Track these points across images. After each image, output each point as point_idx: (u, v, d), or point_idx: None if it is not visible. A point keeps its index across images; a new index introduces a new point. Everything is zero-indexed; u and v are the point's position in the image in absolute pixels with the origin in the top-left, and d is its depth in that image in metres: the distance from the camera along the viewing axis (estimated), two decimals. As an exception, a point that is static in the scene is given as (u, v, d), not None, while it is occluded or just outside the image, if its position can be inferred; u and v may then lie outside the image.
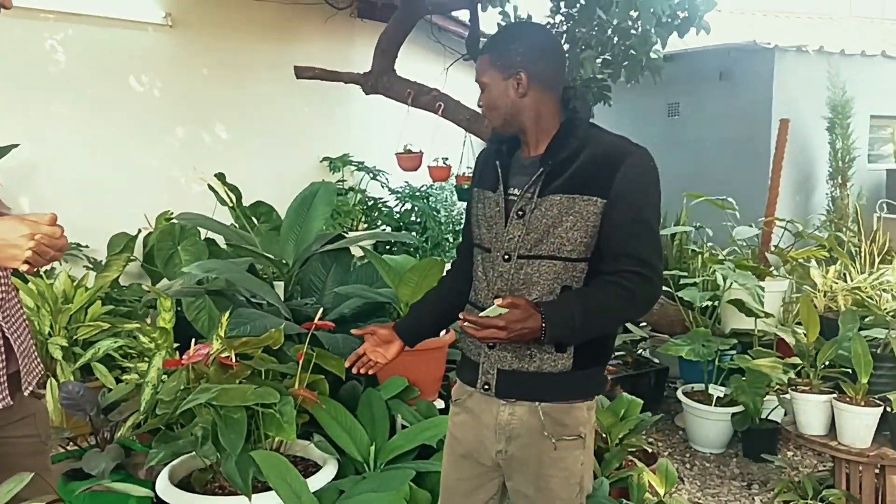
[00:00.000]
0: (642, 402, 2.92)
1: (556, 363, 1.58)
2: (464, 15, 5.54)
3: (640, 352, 4.36)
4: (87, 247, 4.16)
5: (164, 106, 4.64)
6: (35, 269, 1.35)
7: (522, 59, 1.58)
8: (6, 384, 1.44)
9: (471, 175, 2.28)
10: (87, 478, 2.53)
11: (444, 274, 1.94)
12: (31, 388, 1.53)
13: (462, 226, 1.93)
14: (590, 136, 1.58)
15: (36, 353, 1.58)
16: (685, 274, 4.08)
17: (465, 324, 1.49)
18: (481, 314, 1.49)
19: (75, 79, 4.17)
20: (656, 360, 4.31)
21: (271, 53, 5.17)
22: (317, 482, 2.24)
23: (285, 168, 5.29)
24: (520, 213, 1.58)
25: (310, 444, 2.44)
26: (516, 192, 1.61)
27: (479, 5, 4.58)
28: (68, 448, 2.82)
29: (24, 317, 1.55)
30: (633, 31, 4.48)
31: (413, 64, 4.85)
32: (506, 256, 1.59)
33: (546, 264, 1.56)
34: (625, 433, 2.81)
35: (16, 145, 3.67)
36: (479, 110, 1.77)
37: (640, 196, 1.54)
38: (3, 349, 1.43)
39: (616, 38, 4.56)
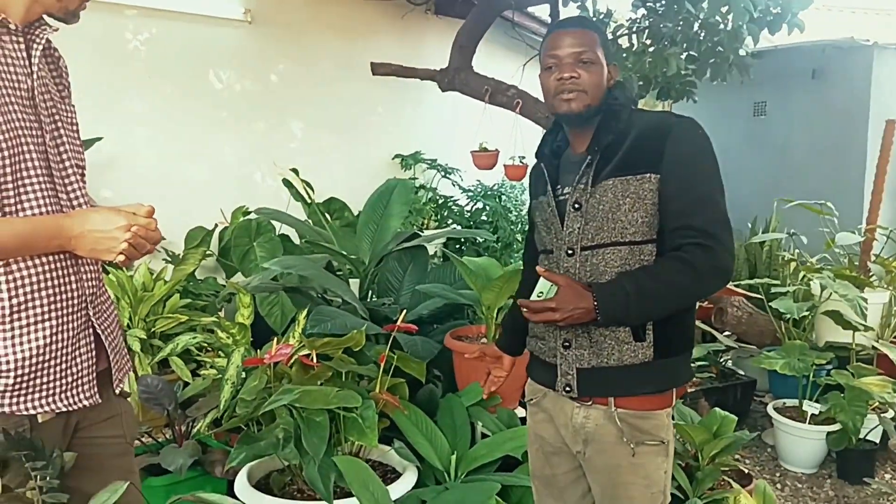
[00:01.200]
0: (736, 418, 2.75)
1: (637, 353, 1.53)
2: (542, 11, 5.41)
3: (725, 363, 4.15)
4: (164, 239, 4.19)
5: (242, 101, 4.65)
6: (130, 262, 1.31)
7: (613, 54, 1.58)
8: (95, 381, 1.40)
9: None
10: (164, 473, 2.52)
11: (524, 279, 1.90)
12: (122, 386, 1.49)
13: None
14: (634, 118, 1.56)
15: (125, 350, 1.54)
16: (777, 282, 3.86)
17: (523, 309, 1.49)
18: (534, 293, 1.50)
19: (156, 74, 4.21)
20: (742, 373, 4.10)
21: (347, 50, 5.14)
22: (398, 490, 2.16)
23: (358, 165, 5.26)
24: (576, 205, 1.55)
25: (390, 450, 2.37)
26: (568, 188, 1.59)
27: (560, 1, 4.45)
28: (145, 441, 2.82)
29: (115, 312, 1.51)
30: (721, 27, 4.28)
31: (490, 61, 4.74)
32: (569, 251, 1.56)
33: (611, 251, 1.52)
34: (717, 451, 2.65)
35: (99, 139, 3.72)
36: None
37: (691, 165, 1.48)
38: (93, 346, 1.40)
39: (703, 34, 4.37)
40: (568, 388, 1.58)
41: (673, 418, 2.85)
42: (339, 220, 4.51)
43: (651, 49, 4.40)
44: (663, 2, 4.38)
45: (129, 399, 1.61)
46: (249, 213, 4.25)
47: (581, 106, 1.53)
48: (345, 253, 3.45)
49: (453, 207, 5.52)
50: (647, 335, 1.52)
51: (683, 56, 4.41)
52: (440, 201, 5.50)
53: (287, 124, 4.95)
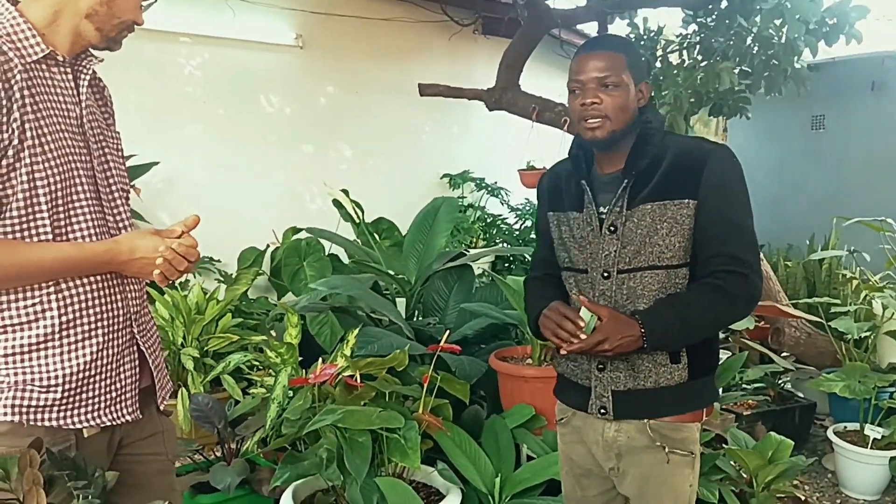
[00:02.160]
0: (793, 443, 2.65)
1: (673, 375, 1.57)
2: (590, 28, 5.39)
3: (783, 385, 4.02)
4: (218, 260, 4.30)
5: (292, 124, 4.75)
6: (170, 281, 1.35)
7: (647, 70, 1.58)
8: (138, 398, 1.44)
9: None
10: (213, 491, 2.56)
11: (538, 281, 1.81)
12: (164, 405, 1.53)
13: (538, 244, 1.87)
14: (667, 142, 1.57)
15: (166, 369, 1.58)
16: (837, 301, 3.72)
17: (568, 346, 1.50)
18: (586, 327, 1.51)
19: (210, 99, 4.34)
20: (801, 395, 3.95)
21: (395, 71, 5.21)
22: (442, 512, 2.15)
23: (406, 185, 5.31)
24: (611, 228, 1.56)
25: (433, 472, 2.36)
26: (602, 209, 1.59)
27: (608, 17, 4.42)
28: (195, 459, 2.87)
29: (157, 332, 1.56)
30: (775, 40, 4.18)
31: (538, 78, 4.74)
32: (605, 274, 1.57)
33: (648, 275, 1.54)
34: (773, 477, 2.56)
35: (156, 163, 3.84)
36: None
37: (727, 193, 1.52)
38: (137, 362, 1.43)
39: (757, 48, 4.28)
40: (603, 411, 1.60)
41: (716, 439, 2.78)
42: (387, 240, 4.55)
43: (703, 64, 4.33)
44: (714, 16, 4.31)
45: (173, 417, 1.65)
46: (299, 232, 4.32)
47: (605, 133, 1.53)
48: (391, 272, 3.47)
49: (502, 226, 5.51)
50: (682, 357, 1.57)
51: (736, 71, 4.33)
52: (488, 220, 5.50)
53: (336, 146, 5.03)
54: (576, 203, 1.63)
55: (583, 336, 1.50)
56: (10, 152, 1.22)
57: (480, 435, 2.56)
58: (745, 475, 2.61)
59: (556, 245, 1.69)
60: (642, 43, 4.46)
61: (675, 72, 4.37)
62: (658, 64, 4.43)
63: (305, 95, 4.80)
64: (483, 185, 5.62)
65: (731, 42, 4.28)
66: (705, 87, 4.21)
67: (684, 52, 4.52)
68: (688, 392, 1.59)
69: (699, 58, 4.42)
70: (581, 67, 1.54)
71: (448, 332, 2.44)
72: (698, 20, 4.38)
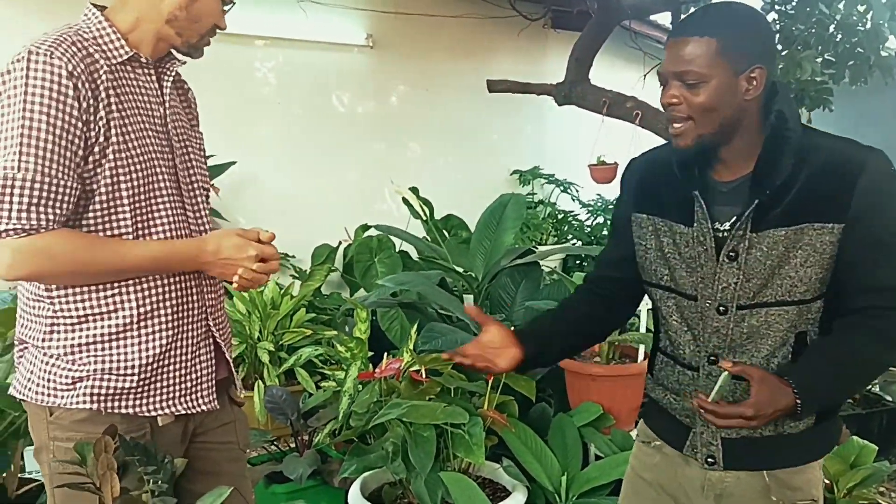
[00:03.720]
0: (877, 448, 2.53)
1: (799, 422, 1.31)
2: (664, 18, 5.26)
3: (870, 388, 3.83)
4: (293, 257, 4.42)
5: (363, 123, 4.83)
6: (244, 290, 1.41)
7: (763, 50, 1.23)
8: (214, 388, 1.48)
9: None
10: (287, 481, 2.64)
11: (580, 291, 1.58)
12: (238, 397, 1.59)
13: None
14: (806, 145, 1.25)
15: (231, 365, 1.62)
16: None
17: (700, 410, 1.23)
18: (714, 392, 1.23)
19: (283, 99, 4.46)
20: (889, 398, 3.76)
21: (464, 68, 5.22)
22: (505, 509, 2.15)
23: (476, 181, 5.31)
24: (731, 254, 1.27)
25: (499, 468, 2.36)
26: (719, 225, 1.30)
27: (682, 7, 4.31)
28: (270, 450, 2.96)
29: (230, 325, 1.60)
30: (859, 27, 3.99)
31: (609, 72, 4.66)
32: (720, 308, 1.30)
33: (775, 312, 1.28)
34: (855, 483, 2.44)
35: (233, 163, 3.97)
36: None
37: (885, 213, 1.23)
38: (213, 354, 1.48)
39: (840, 36, 4.09)
40: (711, 461, 1.35)
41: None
42: (456, 237, 4.57)
43: (783, 53, 4.17)
44: (794, 3, 4.14)
45: (249, 408, 1.70)
46: (370, 229, 4.39)
47: (689, 140, 1.25)
48: (458, 269, 3.49)
49: (573, 222, 5.45)
50: None
51: (819, 60, 4.15)
52: (559, 216, 5.45)
53: (406, 144, 5.08)
54: (683, 213, 1.33)
55: (712, 404, 1.21)
56: (97, 149, 1.28)
57: (547, 433, 2.55)
58: (826, 480, 2.50)
59: (649, 256, 1.40)
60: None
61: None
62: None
63: (376, 94, 4.87)
64: (553, 181, 5.58)
65: (813, 30, 4.10)
66: (786, 78, 4.05)
67: (763, 40, 4.38)
68: (813, 436, 1.33)
69: (779, 47, 4.26)
70: (666, 55, 1.26)
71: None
72: (777, 7, 4.21)
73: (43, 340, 1.34)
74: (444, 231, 4.47)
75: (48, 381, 1.34)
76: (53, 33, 1.29)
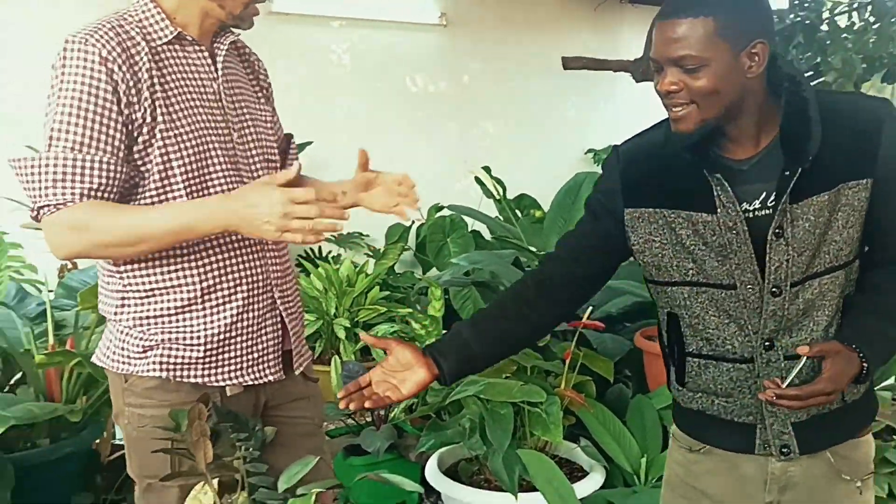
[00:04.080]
0: None
1: (859, 388, 1.28)
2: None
3: None
4: (367, 236, 4.48)
5: (436, 103, 4.83)
6: (310, 242, 1.28)
7: (763, 23, 1.17)
8: (280, 359, 1.50)
9: None
10: (364, 454, 2.68)
11: (527, 282, 1.41)
12: (301, 370, 1.56)
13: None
14: (823, 105, 1.21)
15: (304, 339, 1.61)
16: None
17: (775, 400, 1.15)
18: (790, 379, 1.17)
19: (357, 79, 4.50)
20: None
21: (539, 46, 5.14)
22: (584, 489, 2.13)
23: (550, 161, 5.25)
24: (777, 231, 1.20)
25: (576, 448, 2.34)
26: (747, 205, 1.22)
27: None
28: (347, 423, 3.02)
29: (300, 302, 1.59)
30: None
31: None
32: (774, 290, 1.23)
33: (827, 280, 1.24)
34: None
35: (309, 143, 4.03)
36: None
37: None
38: (280, 326, 1.49)
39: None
40: (786, 450, 1.28)
41: (885, 430, 2.55)
42: (529, 217, 4.53)
43: (875, 26, 3.95)
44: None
45: (325, 383, 1.71)
46: (442, 209, 4.40)
47: (691, 125, 1.17)
48: (532, 249, 3.46)
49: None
50: None
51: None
52: (634, 196, 5.33)
53: (479, 123, 5.06)
54: (699, 201, 1.24)
55: (790, 389, 1.15)
56: (145, 130, 1.31)
57: (624, 414, 2.51)
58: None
59: (666, 253, 1.29)
60: (806, 5, 4.13)
61: (844, 35, 4.02)
62: (825, 27, 4.08)
63: (449, 74, 4.86)
64: (629, 159, 5.45)
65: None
66: (878, 52, 3.84)
67: (854, 13, 4.14)
68: (867, 402, 1.33)
69: (871, 19, 4.03)
70: (656, 39, 1.17)
71: (590, 309, 2.40)
72: (869, -22, 3.99)
73: (115, 313, 1.40)
74: (517, 211, 4.44)
75: (122, 349, 1.40)
76: (95, 21, 1.33)
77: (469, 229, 4.34)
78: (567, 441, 2.36)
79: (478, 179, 4.33)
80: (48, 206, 1.27)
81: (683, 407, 1.39)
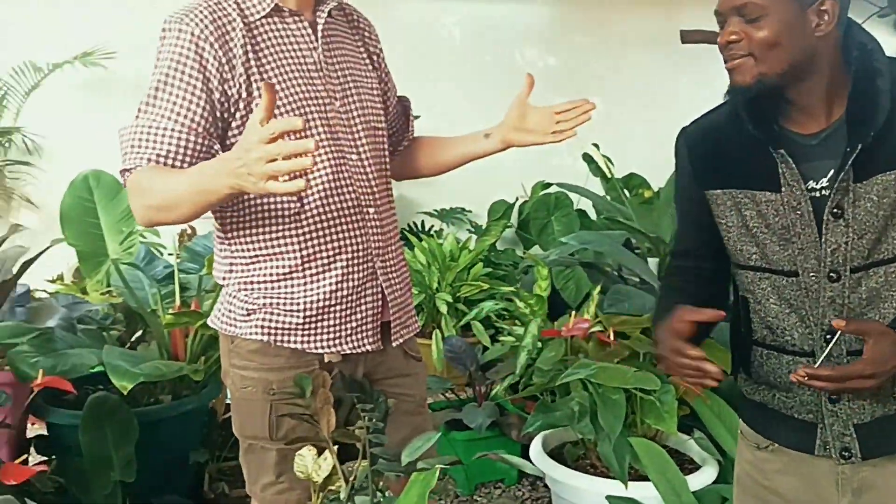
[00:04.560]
0: None
1: None
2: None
3: None
4: (470, 211, 4.46)
5: (544, 78, 4.65)
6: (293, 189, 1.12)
7: None
8: (379, 330, 1.49)
9: None
10: (465, 429, 2.69)
11: (675, 278, 1.41)
12: (400, 341, 1.54)
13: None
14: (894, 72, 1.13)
15: (413, 311, 1.60)
16: None
17: (804, 378, 1.10)
18: (822, 359, 1.13)
19: (465, 55, 4.46)
20: None
21: (653, 20, 4.94)
22: (697, 482, 2.06)
23: (659, 139, 4.98)
24: (836, 211, 1.14)
25: (688, 440, 2.26)
26: (814, 184, 1.16)
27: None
28: (448, 398, 3.03)
29: (406, 273, 1.58)
30: None
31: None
32: (832, 275, 1.16)
33: (895, 269, 1.15)
34: None
35: (417, 117, 4.04)
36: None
37: None
38: (380, 296, 1.48)
39: None
40: (847, 454, 1.21)
41: None
42: (637, 197, 4.39)
43: None
44: None
45: (427, 356, 1.69)
46: (551, 185, 4.32)
47: (750, 77, 1.12)
48: (644, 231, 3.35)
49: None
50: None
51: None
52: (750, 178, 5.08)
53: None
54: (765, 178, 1.18)
55: (821, 369, 1.12)
56: (241, 105, 1.34)
57: (737, 408, 2.39)
58: None
59: (732, 235, 1.26)
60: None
61: None
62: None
63: (559, 48, 4.74)
64: (746, 140, 5.19)
65: None
66: None
67: None
68: None
69: None
70: None
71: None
72: None
73: (224, 278, 1.45)
74: (626, 190, 4.31)
75: (230, 311, 1.45)
76: (192, 2, 1.36)
77: (574, 208, 4.26)
78: (678, 433, 2.28)
79: (585, 157, 4.23)
80: (123, 171, 1.33)
81: (747, 398, 1.35)
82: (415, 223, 4.40)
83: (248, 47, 1.35)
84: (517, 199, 4.49)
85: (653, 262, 3.37)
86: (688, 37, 4.11)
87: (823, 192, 1.15)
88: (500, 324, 3.34)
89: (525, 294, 2.90)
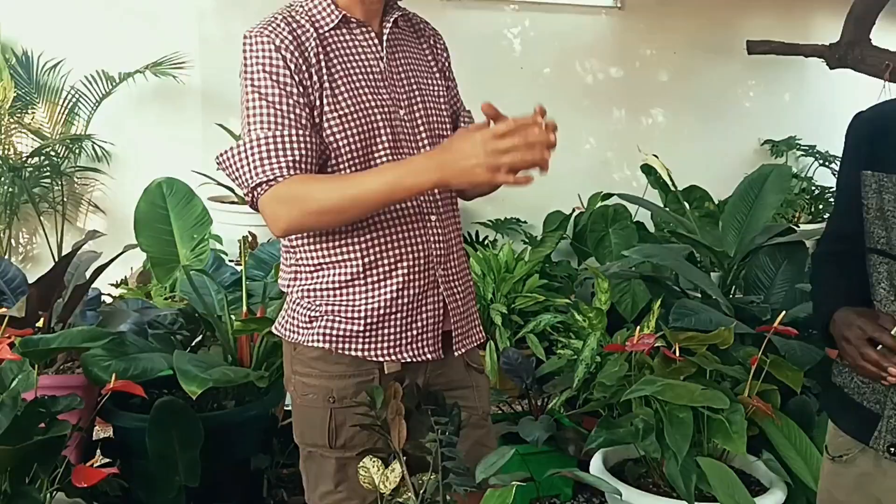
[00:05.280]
0: None
1: None
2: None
3: None
4: (525, 222, 4.43)
5: (605, 89, 4.69)
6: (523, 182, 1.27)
7: None
8: (440, 340, 1.48)
9: None
10: (521, 442, 2.65)
11: (831, 262, 1.41)
12: (462, 351, 1.52)
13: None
14: None
15: (478, 321, 1.58)
16: None
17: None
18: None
19: (527, 64, 4.44)
20: None
21: (719, 28, 4.86)
22: (766, 505, 1.99)
23: (721, 151, 4.97)
24: None
25: (756, 461, 2.19)
26: None
27: None
28: (504, 411, 3.00)
29: (470, 282, 1.56)
30: None
31: (891, 33, 4.10)
32: None
33: None
34: None
35: (476, 126, 4.04)
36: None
37: None
38: (441, 305, 1.47)
39: None
40: (893, 449, 1.21)
41: None
42: (698, 210, 4.30)
43: None
44: None
45: (486, 376, 1.66)
46: (610, 196, 4.26)
47: None
48: (707, 244, 3.27)
49: (831, 200, 4.92)
50: None
51: None
52: (815, 192, 4.94)
53: (648, 110, 4.86)
54: None
55: None
56: (315, 113, 1.36)
57: (812, 429, 2.31)
58: None
59: (868, 217, 1.27)
60: None
61: None
62: None
63: (620, 59, 4.70)
64: (814, 153, 5.05)
65: None
66: None
67: None
68: None
69: None
70: None
71: (783, 313, 2.22)
72: None
73: (288, 286, 1.47)
74: (686, 203, 4.23)
75: (293, 318, 1.46)
76: (269, 15, 1.39)
77: (632, 220, 4.19)
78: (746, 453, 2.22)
79: (645, 168, 4.17)
80: (261, 184, 1.33)
81: (831, 381, 1.37)
82: (469, 234, 4.39)
83: (321, 56, 1.38)
84: (573, 210, 4.45)
85: (716, 277, 3.29)
86: (755, 48, 4.03)
87: None
88: (554, 336, 3.30)
89: (585, 307, 2.86)
